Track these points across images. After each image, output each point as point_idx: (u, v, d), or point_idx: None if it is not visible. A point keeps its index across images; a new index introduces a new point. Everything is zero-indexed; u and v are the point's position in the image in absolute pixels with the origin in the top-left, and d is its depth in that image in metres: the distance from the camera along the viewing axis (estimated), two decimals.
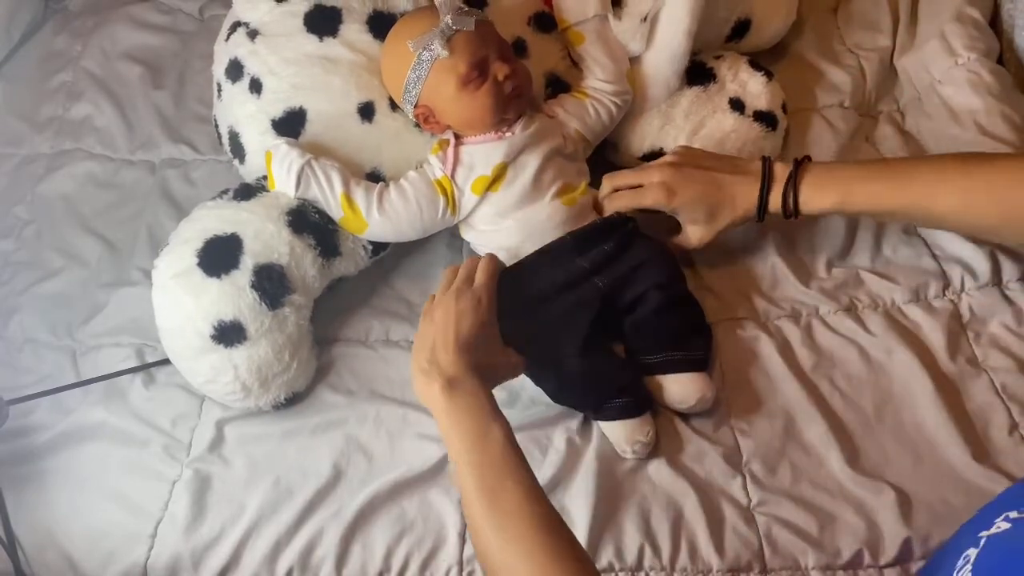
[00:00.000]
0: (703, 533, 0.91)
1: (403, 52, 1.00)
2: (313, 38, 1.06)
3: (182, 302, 0.97)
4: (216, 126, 1.17)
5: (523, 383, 1.01)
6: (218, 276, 0.97)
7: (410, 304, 1.11)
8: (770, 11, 1.28)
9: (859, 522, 0.91)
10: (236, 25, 1.11)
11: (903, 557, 0.89)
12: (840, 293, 1.09)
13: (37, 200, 1.22)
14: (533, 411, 1.00)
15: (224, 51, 1.12)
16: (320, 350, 1.06)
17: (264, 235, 0.99)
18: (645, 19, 1.11)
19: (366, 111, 1.06)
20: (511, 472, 0.81)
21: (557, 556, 0.76)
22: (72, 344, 1.09)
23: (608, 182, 1.07)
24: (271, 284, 0.98)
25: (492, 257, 0.99)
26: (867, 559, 0.90)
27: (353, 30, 1.06)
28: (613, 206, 1.06)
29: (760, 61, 1.22)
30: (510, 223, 1.03)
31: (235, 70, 1.09)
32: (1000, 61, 1.29)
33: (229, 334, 0.96)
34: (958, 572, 0.64)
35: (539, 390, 1.00)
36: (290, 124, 1.06)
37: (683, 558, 0.90)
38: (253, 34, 1.08)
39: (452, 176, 1.03)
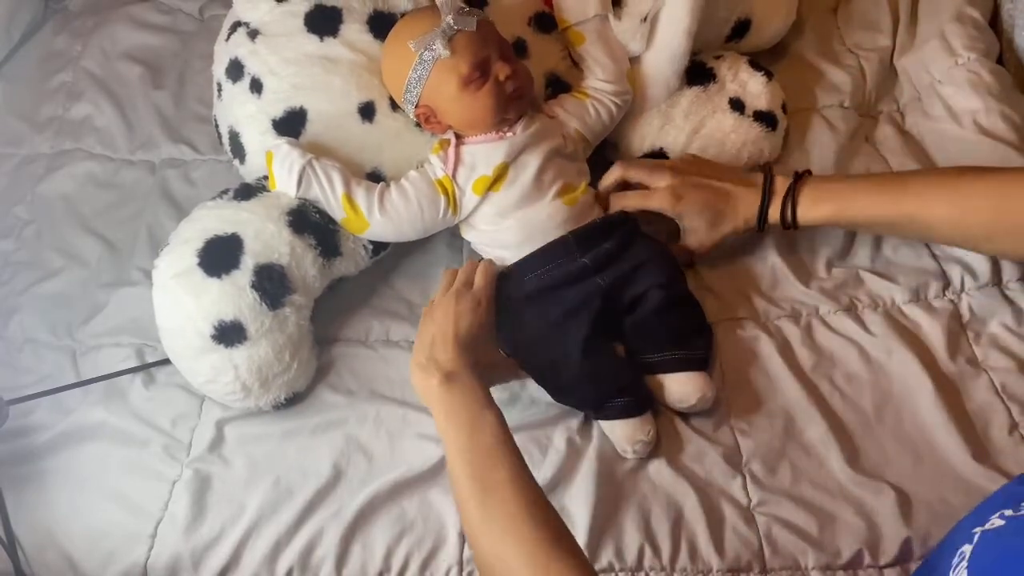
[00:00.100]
0: (703, 533, 0.91)
1: (404, 52, 1.00)
2: (313, 38, 1.06)
3: (183, 302, 0.97)
4: (216, 126, 1.17)
5: (523, 383, 1.01)
6: (219, 276, 0.97)
7: (410, 304, 1.11)
8: (770, 11, 1.28)
9: (859, 522, 0.91)
10: (236, 25, 1.11)
11: (903, 557, 0.89)
12: (840, 293, 1.09)
13: (37, 200, 1.22)
14: (533, 411, 1.00)
15: (224, 51, 1.12)
16: (320, 350, 1.06)
17: (265, 235, 0.99)
18: (645, 19, 1.11)
19: (367, 111, 1.06)
20: (501, 460, 0.83)
21: (544, 541, 0.77)
22: (72, 344, 1.09)
23: (621, 169, 1.09)
24: (272, 284, 0.98)
25: (490, 262, 1.03)
26: (867, 559, 0.90)
27: (353, 30, 1.06)
28: (619, 205, 1.08)
29: (760, 61, 1.22)
30: (511, 222, 1.03)
31: (235, 70, 1.09)
32: (1000, 61, 1.30)
33: (229, 334, 0.96)
34: (954, 570, 0.64)
35: (539, 390, 1.00)
36: (290, 124, 1.06)
37: (683, 558, 0.91)
38: (253, 34, 1.08)
39: (453, 176, 1.03)
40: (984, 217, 0.95)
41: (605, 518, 0.92)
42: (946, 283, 1.09)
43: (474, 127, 1.03)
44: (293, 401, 1.02)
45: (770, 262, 1.11)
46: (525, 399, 1.01)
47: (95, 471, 0.98)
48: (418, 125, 1.07)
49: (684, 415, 1.00)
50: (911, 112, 1.27)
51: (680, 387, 0.98)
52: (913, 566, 0.89)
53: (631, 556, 0.90)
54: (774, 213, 1.04)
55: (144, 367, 1.05)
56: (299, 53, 1.06)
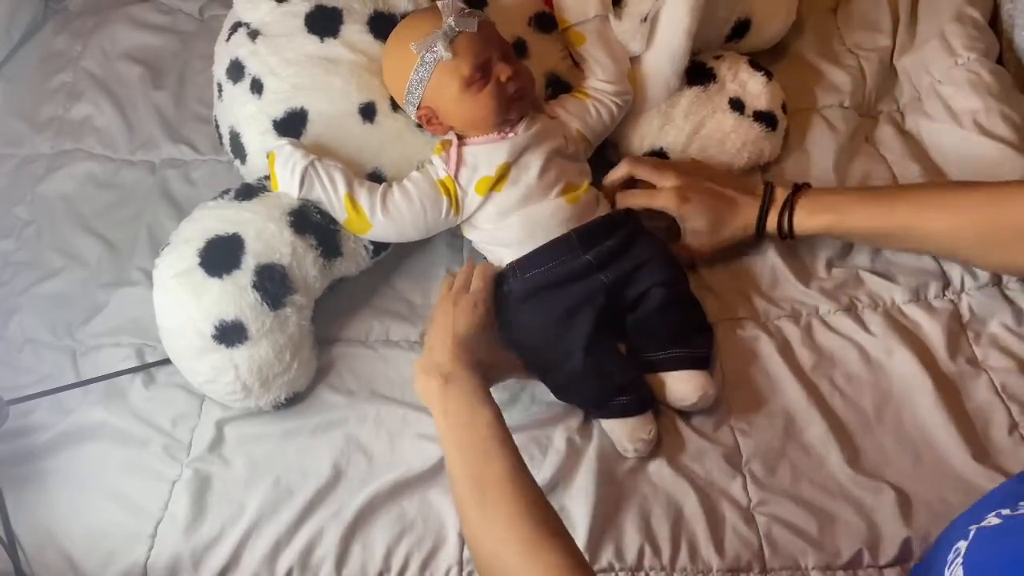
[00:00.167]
0: (703, 533, 0.92)
1: (406, 54, 1.00)
2: (314, 39, 1.06)
3: (183, 302, 0.97)
4: (217, 126, 1.17)
5: (523, 382, 1.01)
6: (220, 276, 0.97)
7: (411, 304, 1.11)
8: (770, 11, 1.28)
9: (859, 522, 0.92)
10: (237, 25, 1.11)
11: (903, 557, 0.90)
12: (840, 293, 1.09)
13: (37, 200, 1.22)
14: (533, 411, 1.00)
15: (225, 51, 1.12)
16: (321, 350, 1.06)
17: (266, 235, 0.99)
18: (645, 19, 1.11)
19: (367, 111, 1.06)
20: (496, 455, 0.84)
21: (541, 538, 0.77)
22: (72, 344, 1.08)
23: (628, 165, 1.10)
24: (273, 284, 0.98)
25: (488, 264, 1.04)
26: (867, 559, 0.90)
27: (354, 31, 1.06)
28: (624, 202, 1.09)
29: (760, 61, 1.22)
30: (513, 220, 1.03)
31: (236, 70, 1.09)
32: (1000, 61, 1.30)
33: (230, 334, 0.96)
34: (949, 566, 0.64)
35: (540, 390, 1.01)
36: (291, 124, 1.06)
37: (683, 558, 0.91)
38: (254, 34, 1.08)
39: (455, 177, 1.03)
40: (978, 228, 0.96)
41: (605, 518, 0.92)
42: (946, 283, 1.09)
43: (476, 128, 1.03)
44: (293, 401, 1.02)
45: (770, 262, 1.11)
46: (525, 399, 1.01)
47: (95, 471, 0.98)
48: (419, 126, 1.07)
49: (684, 415, 1.00)
50: (911, 112, 1.26)
51: (682, 385, 0.98)
52: (913, 566, 0.89)
53: (631, 556, 0.90)
54: (772, 222, 1.06)
55: (144, 367, 1.05)
56: (300, 54, 1.06)
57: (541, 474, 0.94)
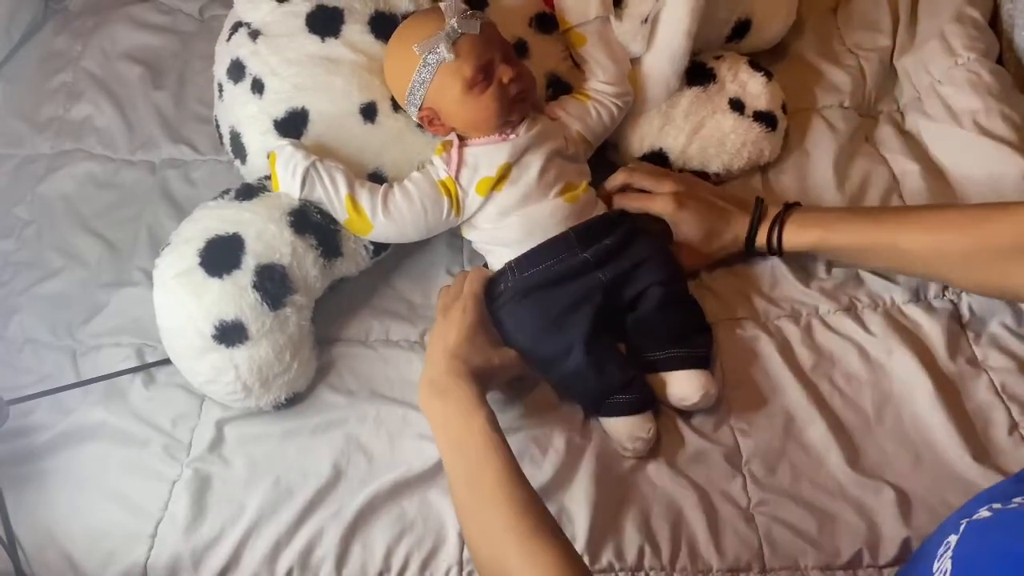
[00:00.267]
0: (703, 533, 0.92)
1: (408, 55, 1.00)
2: (315, 38, 1.06)
3: (183, 302, 0.97)
4: (217, 126, 1.17)
5: (524, 383, 1.01)
6: (220, 276, 0.97)
7: (411, 304, 1.11)
8: (770, 11, 1.28)
9: (859, 522, 0.92)
10: (237, 25, 1.11)
11: (903, 557, 0.89)
12: (840, 293, 1.09)
13: (37, 200, 1.22)
14: (533, 411, 1.00)
15: (225, 51, 1.12)
16: (321, 350, 1.06)
17: (266, 235, 0.99)
18: (645, 20, 1.11)
19: (368, 112, 1.06)
20: (490, 459, 0.85)
21: (536, 534, 0.79)
22: (72, 344, 1.08)
23: (626, 174, 1.11)
24: (273, 284, 0.98)
25: (478, 269, 1.05)
26: (867, 559, 0.90)
27: (355, 31, 1.06)
28: (622, 204, 1.09)
29: (760, 61, 1.22)
30: (512, 219, 1.03)
31: (237, 70, 1.09)
32: (1000, 61, 1.29)
33: (230, 334, 0.96)
34: (939, 559, 0.65)
35: (539, 390, 1.01)
36: (292, 124, 1.06)
37: (683, 558, 0.91)
38: (255, 34, 1.08)
39: (456, 177, 1.03)
40: (961, 245, 0.96)
41: (605, 518, 0.92)
42: (946, 283, 1.09)
43: (478, 129, 1.03)
44: (293, 401, 1.02)
45: (770, 262, 1.11)
46: (525, 400, 1.01)
47: (95, 471, 0.98)
48: (420, 126, 1.07)
49: (684, 415, 1.00)
50: (911, 112, 1.26)
51: (682, 385, 0.98)
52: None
53: (631, 556, 0.91)
54: (761, 237, 1.07)
55: (144, 367, 1.05)
56: (300, 54, 1.06)
57: (541, 474, 0.94)
